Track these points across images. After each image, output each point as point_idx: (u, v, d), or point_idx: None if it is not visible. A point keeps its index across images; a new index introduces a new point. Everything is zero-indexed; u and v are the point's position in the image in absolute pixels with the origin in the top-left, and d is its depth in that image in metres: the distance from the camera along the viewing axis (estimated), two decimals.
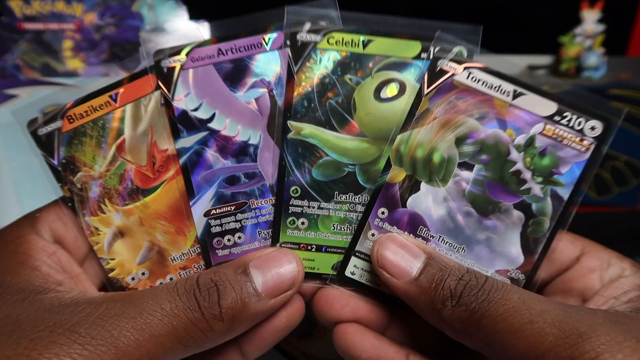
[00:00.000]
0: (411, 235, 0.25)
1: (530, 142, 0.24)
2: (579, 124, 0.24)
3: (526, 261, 0.25)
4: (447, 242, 0.25)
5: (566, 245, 0.26)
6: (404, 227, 0.25)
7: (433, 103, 0.24)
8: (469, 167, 0.24)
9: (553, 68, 0.77)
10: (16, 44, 0.58)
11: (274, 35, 0.26)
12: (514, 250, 0.25)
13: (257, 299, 0.23)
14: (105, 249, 0.27)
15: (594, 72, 0.72)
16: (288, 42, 0.25)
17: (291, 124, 0.26)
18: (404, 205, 0.25)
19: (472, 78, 0.24)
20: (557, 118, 0.24)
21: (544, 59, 0.77)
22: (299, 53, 0.25)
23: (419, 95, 0.24)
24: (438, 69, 0.24)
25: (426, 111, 0.24)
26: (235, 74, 0.26)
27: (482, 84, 0.24)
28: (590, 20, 0.72)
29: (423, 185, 0.25)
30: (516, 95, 0.24)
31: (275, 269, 0.24)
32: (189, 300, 0.22)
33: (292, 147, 0.26)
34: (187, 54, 0.26)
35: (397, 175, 0.25)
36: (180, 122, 0.26)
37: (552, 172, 0.24)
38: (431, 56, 0.24)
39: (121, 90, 0.27)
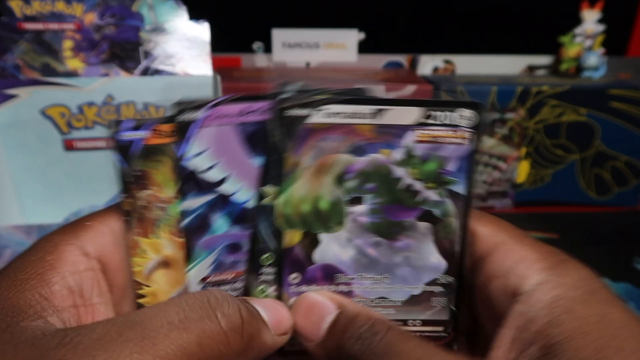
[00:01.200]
0: (331, 286, 0.24)
1: (409, 153, 0.23)
2: (450, 118, 0.23)
3: (449, 264, 0.24)
4: (368, 277, 0.24)
5: (478, 240, 0.23)
6: (321, 282, 0.24)
7: (297, 154, 0.23)
8: (360, 201, 0.24)
9: (553, 68, 0.77)
10: (16, 44, 0.58)
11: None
12: (434, 259, 0.24)
13: (267, 329, 0.22)
14: (145, 273, 0.25)
15: (594, 72, 0.72)
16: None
17: (264, 189, 0.25)
18: (313, 262, 0.24)
19: (327, 114, 0.23)
20: (426, 121, 0.23)
21: (544, 59, 0.77)
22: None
23: (278, 152, 0.23)
24: (287, 119, 0.23)
25: (294, 165, 0.23)
26: (255, 137, 0.24)
27: (339, 116, 0.23)
28: (590, 20, 0.72)
29: (322, 237, 0.24)
30: (378, 114, 0.23)
31: (275, 311, 0.23)
32: (202, 310, 0.19)
33: (265, 213, 0.25)
34: (207, 110, 0.24)
35: (294, 237, 0.24)
36: (190, 182, 0.24)
37: (441, 173, 0.23)
38: (278, 109, 0.23)
39: None
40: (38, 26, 0.58)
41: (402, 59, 0.78)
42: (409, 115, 0.23)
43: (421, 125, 0.23)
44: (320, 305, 0.23)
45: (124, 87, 0.59)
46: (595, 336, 0.18)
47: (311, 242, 0.24)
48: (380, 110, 0.23)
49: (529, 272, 0.21)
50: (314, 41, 0.75)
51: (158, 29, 0.60)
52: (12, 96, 0.57)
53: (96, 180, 0.61)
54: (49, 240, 0.22)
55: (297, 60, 0.76)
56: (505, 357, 0.20)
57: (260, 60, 0.77)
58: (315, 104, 0.22)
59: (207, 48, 0.60)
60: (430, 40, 0.78)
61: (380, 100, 0.23)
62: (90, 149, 0.60)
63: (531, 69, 0.77)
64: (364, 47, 0.75)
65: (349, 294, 0.25)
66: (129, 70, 0.60)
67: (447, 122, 0.23)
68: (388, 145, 0.23)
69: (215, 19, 0.60)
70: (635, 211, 0.71)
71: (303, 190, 0.24)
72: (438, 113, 0.23)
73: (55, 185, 0.61)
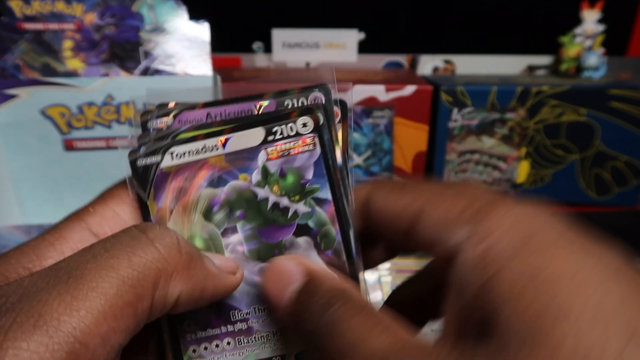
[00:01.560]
0: (229, 325, 0.23)
1: (266, 172, 0.23)
2: (291, 129, 0.23)
3: (340, 277, 0.23)
4: (263, 309, 0.23)
5: (399, 203, 0.20)
6: (218, 324, 0.23)
7: (160, 200, 0.23)
8: (233, 230, 0.23)
9: (553, 68, 0.77)
10: (16, 44, 0.58)
11: (265, 102, 0.24)
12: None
13: (208, 259, 0.21)
14: None
15: (594, 72, 0.72)
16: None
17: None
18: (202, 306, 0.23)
19: (176, 155, 0.23)
20: (270, 138, 0.23)
21: (544, 59, 0.77)
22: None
23: (145, 205, 0.23)
24: (141, 169, 0.23)
25: (160, 211, 0.23)
26: None
27: (188, 155, 0.23)
28: (590, 20, 0.72)
29: None
30: (224, 144, 0.23)
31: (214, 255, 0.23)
32: (129, 234, 0.18)
33: None
34: (174, 116, 0.24)
35: None
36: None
37: (302, 184, 0.23)
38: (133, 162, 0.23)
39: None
40: (38, 26, 0.58)
41: (402, 59, 0.78)
42: (253, 137, 0.23)
43: (267, 143, 0.23)
44: (287, 272, 0.22)
45: (124, 87, 0.59)
46: (528, 300, 0.14)
47: None
48: (226, 139, 0.23)
49: (452, 228, 0.17)
50: (314, 41, 0.75)
51: (158, 29, 0.60)
52: (12, 96, 0.57)
53: (96, 180, 0.61)
54: (53, 226, 0.21)
55: (297, 60, 0.76)
56: (452, 335, 0.17)
57: (260, 60, 0.77)
58: (162, 149, 0.23)
59: (207, 48, 0.60)
60: (430, 40, 0.78)
61: (220, 130, 0.23)
62: (90, 149, 0.60)
63: (531, 69, 0.77)
64: (364, 47, 0.75)
65: (248, 331, 0.23)
66: (129, 70, 0.60)
67: (290, 133, 0.23)
68: (244, 170, 0.23)
69: (215, 19, 0.60)
70: (635, 211, 0.71)
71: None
72: (279, 127, 0.23)
73: (55, 185, 0.61)
